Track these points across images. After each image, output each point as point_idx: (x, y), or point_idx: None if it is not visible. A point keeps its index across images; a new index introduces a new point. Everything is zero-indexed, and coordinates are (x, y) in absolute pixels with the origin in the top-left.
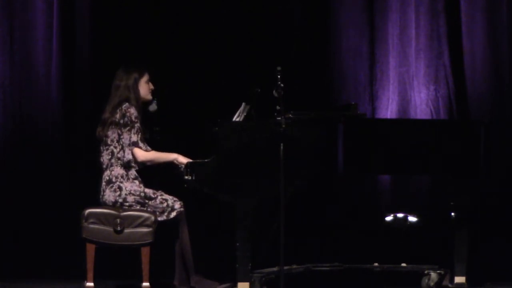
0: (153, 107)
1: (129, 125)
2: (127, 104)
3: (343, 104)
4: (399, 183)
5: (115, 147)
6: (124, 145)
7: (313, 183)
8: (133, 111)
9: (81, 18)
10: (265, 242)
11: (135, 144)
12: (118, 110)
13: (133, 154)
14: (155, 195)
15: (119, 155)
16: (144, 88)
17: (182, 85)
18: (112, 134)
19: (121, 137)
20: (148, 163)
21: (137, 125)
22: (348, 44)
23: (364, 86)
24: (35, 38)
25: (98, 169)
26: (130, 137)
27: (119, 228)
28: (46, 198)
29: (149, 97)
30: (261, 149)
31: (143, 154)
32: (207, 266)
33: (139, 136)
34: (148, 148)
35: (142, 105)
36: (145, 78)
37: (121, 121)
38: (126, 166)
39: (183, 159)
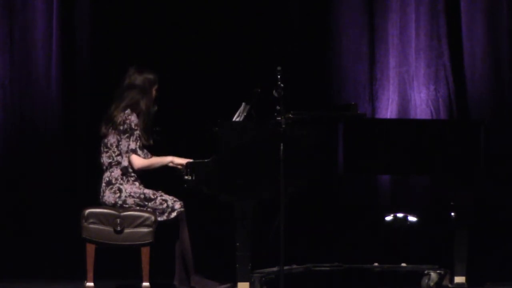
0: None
1: (128, 132)
2: (128, 110)
3: (343, 104)
4: (399, 183)
5: (114, 152)
6: (122, 151)
7: (313, 183)
8: (133, 119)
9: (81, 18)
10: (265, 242)
11: (134, 152)
12: (120, 116)
13: (130, 161)
14: (155, 196)
15: (117, 159)
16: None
17: (182, 85)
18: (112, 138)
19: (120, 143)
20: (145, 170)
21: (137, 132)
22: (348, 44)
23: (364, 86)
24: (35, 38)
25: (98, 169)
26: (129, 144)
27: (119, 228)
28: (46, 198)
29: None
30: (261, 149)
31: (140, 161)
32: (207, 266)
33: (138, 143)
34: (148, 155)
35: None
36: (156, 86)
37: (121, 127)
38: (124, 171)
39: (178, 160)
